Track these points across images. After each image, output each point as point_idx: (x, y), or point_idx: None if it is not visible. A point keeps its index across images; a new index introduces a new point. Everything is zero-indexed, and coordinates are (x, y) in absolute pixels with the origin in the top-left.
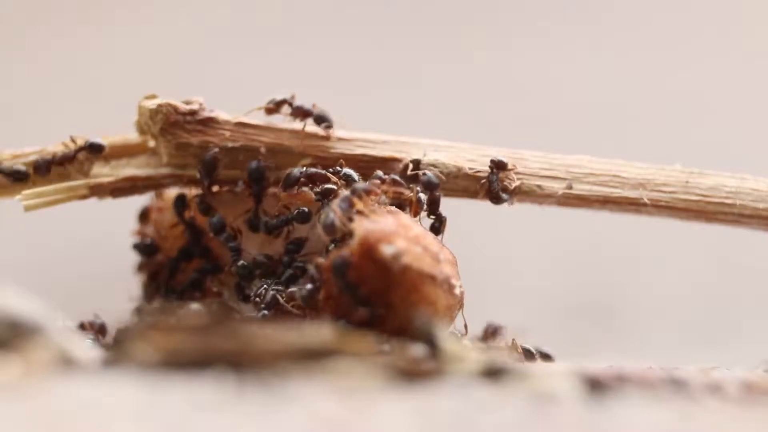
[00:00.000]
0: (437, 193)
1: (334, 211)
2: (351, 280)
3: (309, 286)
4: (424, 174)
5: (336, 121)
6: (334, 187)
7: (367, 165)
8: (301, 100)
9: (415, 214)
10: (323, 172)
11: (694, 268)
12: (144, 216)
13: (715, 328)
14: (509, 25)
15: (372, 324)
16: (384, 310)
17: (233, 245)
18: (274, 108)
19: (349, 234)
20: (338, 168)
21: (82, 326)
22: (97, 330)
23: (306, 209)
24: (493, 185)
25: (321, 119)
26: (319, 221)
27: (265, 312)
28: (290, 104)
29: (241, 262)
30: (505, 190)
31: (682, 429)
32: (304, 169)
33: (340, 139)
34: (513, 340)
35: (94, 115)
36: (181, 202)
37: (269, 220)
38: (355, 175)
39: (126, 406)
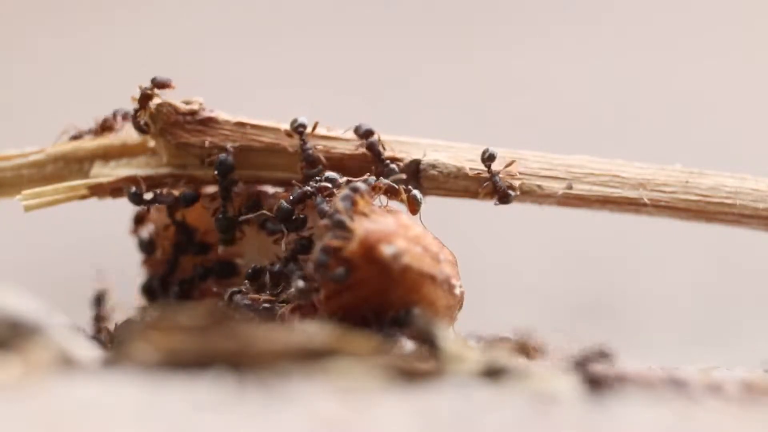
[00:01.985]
0: (373, 139)
1: (339, 209)
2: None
3: (303, 282)
4: (359, 125)
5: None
6: (329, 185)
7: (367, 165)
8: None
9: (413, 212)
10: (306, 189)
11: (694, 269)
12: (139, 219)
13: (715, 328)
14: (509, 25)
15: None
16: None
17: (225, 193)
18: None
19: (349, 233)
20: (318, 178)
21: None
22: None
23: (302, 216)
24: (499, 185)
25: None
26: (327, 217)
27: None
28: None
29: (221, 215)
30: (511, 188)
31: (682, 429)
32: (291, 197)
33: (340, 139)
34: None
35: (94, 115)
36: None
37: (269, 222)
38: (339, 178)
39: (126, 406)
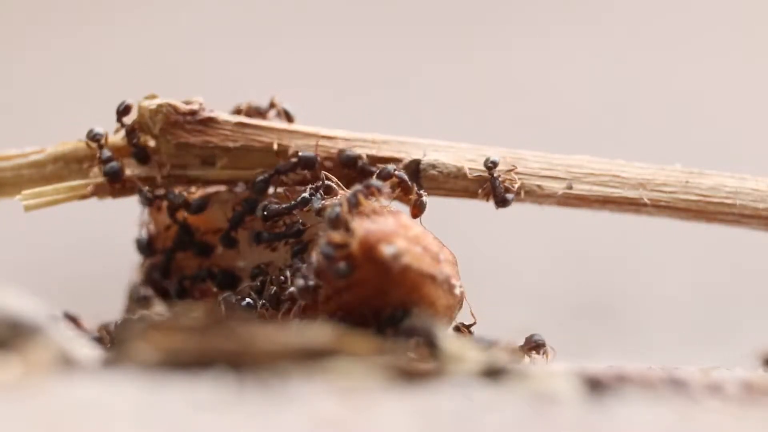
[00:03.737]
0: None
1: (340, 205)
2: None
3: (304, 281)
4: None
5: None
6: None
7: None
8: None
9: (415, 216)
10: (284, 206)
11: (694, 268)
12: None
13: (715, 328)
14: (509, 25)
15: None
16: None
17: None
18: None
19: (350, 232)
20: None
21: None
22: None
23: (301, 226)
24: (497, 189)
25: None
26: (325, 214)
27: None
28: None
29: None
30: (508, 191)
31: (682, 429)
32: (265, 212)
33: (339, 139)
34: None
35: (94, 115)
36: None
37: (263, 231)
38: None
39: (126, 406)
